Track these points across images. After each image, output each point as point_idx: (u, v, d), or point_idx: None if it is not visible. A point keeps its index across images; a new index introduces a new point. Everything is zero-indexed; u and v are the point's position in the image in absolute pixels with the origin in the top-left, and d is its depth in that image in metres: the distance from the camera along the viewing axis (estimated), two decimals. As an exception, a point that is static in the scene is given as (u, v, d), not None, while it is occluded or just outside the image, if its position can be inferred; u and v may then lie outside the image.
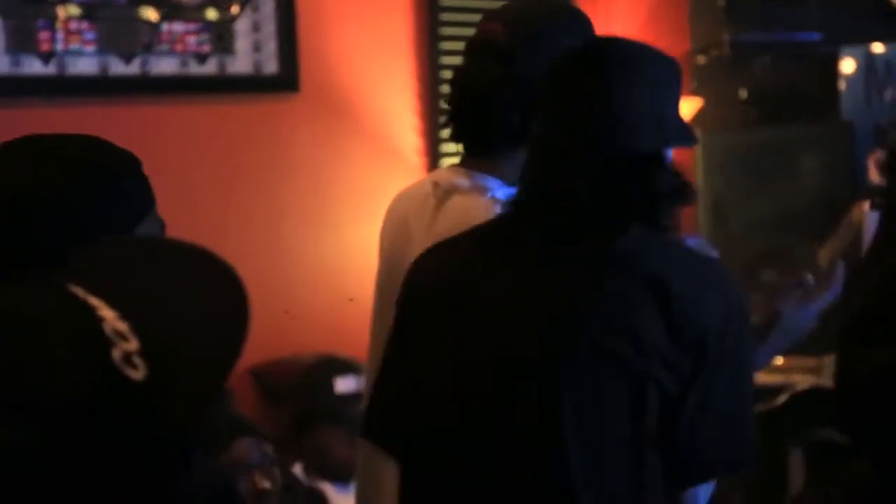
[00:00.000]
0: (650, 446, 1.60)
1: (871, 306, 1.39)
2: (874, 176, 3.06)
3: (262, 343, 3.73)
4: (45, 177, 1.33)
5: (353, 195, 3.92)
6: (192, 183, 3.66)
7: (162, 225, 1.54)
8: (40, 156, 1.36)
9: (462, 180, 1.94)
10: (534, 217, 1.71)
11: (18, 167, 1.35)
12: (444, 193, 1.93)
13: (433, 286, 1.73)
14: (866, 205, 3.57)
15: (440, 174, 2.02)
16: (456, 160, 2.05)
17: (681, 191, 1.70)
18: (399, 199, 2.07)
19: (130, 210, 1.42)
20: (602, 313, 1.62)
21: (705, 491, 1.69)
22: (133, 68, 3.56)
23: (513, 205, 1.74)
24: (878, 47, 4.78)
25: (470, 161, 1.98)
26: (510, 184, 1.92)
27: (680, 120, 1.74)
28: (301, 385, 3.62)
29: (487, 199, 1.89)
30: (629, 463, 1.60)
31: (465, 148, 1.99)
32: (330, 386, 3.54)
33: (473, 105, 1.93)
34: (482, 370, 1.66)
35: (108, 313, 0.75)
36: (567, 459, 1.59)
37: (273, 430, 3.55)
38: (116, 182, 1.42)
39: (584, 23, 1.99)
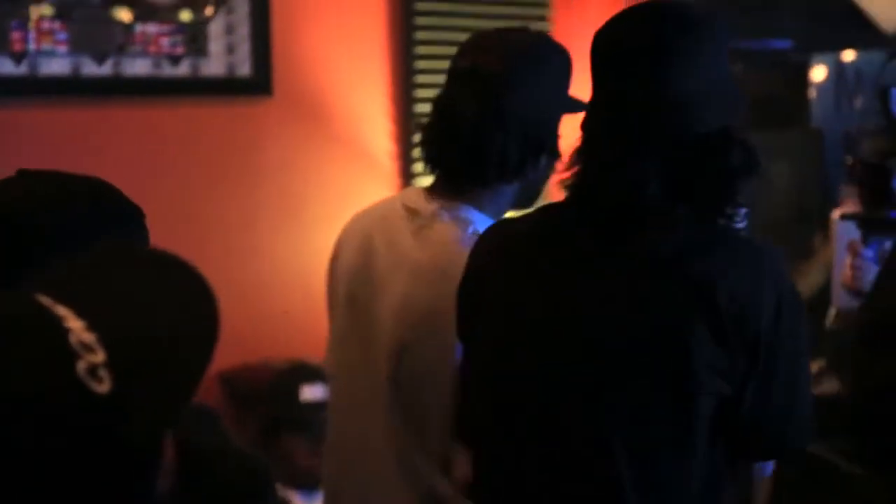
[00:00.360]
0: (704, 443, 1.59)
1: (890, 318, 1.38)
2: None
3: (234, 348, 3.74)
4: (47, 205, 1.33)
5: (327, 199, 3.91)
6: (164, 186, 3.64)
7: (147, 236, 1.55)
8: (48, 185, 1.36)
9: (442, 212, 1.91)
10: (589, 214, 1.64)
11: (23, 195, 1.35)
12: (423, 221, 1.91)
13: (491, 294, 1.70)
14: (837, 213, 3.59)
15: (413, 199, 1.97)
16: (427, 173, 2.01)
17: (752, 166, 1.62)
18: (362, 217, 2.04)
19: (120, 220, 1.42)
20: (648, 332, 1.57)
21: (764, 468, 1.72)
22: (105, 69, 3.54)
23: (569, 199, 1.67)
24: (848, 55, 4.81)
25: (445, 187, 1.94)
26: (490, 215, 1.92)
27: (730, 87, 1.64)
28: (269, 391, 3.61)
29: (470, 233, 1.87)
30: (681, 462, 1.58)
31: (445, 178, 1.94)
32: (296, 393, 3.53)
33: (463, 139, 1.89)
34: (530, 382, 1.64)
35: (75, 324, 0.74)
36: (616, 468, 1.57)
37: (242, 435, 3.54)
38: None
39: (566, 55, 1.98)
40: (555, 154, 1.94)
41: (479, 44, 1.93)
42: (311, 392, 3.52)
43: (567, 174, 1.67)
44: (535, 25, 4.36)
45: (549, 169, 1.95)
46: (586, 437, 1.60)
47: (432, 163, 1.95)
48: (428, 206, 1.92)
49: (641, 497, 1.57)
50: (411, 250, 1.89)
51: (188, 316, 0.80)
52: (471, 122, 1.88)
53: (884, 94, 1.87)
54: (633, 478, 1.57)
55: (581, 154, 1.65)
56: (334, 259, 2.05)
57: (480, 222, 1.88)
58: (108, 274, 0.83)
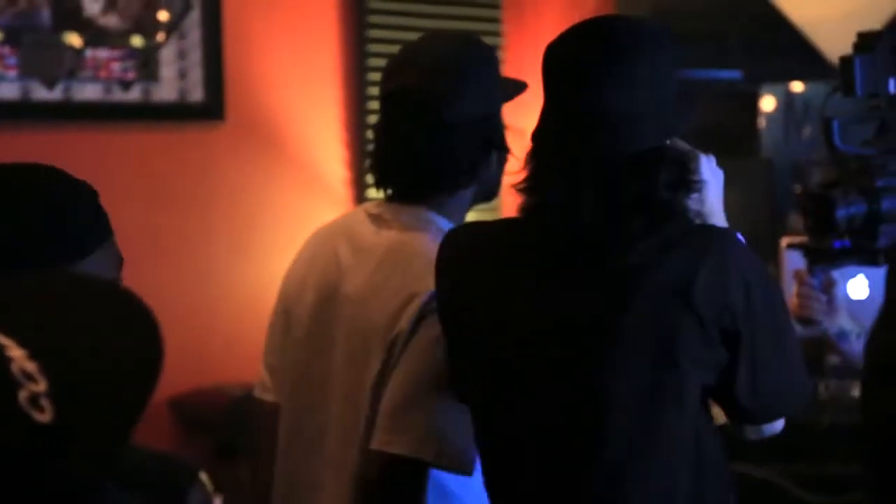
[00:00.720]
0: (692, 427, 1.65)
1: None
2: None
3: (184, 372, 3.71)
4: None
5: (279, 224, 3.90)
6: (115, 212, 3.60)
7: (119, 259, 1.54)
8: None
9: (404, 215, 1.91)
10: (546, 229, 1.69)
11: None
12: (386, 224, 1.91)
13: (475, 304, 1.73)
14: (785, 241, 3.63)
15: (374, 207, 1.98)
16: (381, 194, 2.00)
17: (685, 183, 1.68)
18: (324, 233, 2.04)
19: (80, 242, 1.41)
20: (629, 337, 1.62)
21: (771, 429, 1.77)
22: (56, 94, 3.51)
23: (524, 213, 1.71)
24: (797, 86, 4.87)
25: (404, 197, 1.94)
26: (451, 218, 1.92)
27: (676, 99, 1.68)
28: (223, 418, 3.57)
29: (433, 230, 1.88)
30: (671, 447, 1.64)
31: (401, 192, 1.94)
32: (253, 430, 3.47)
33: (410, 163, 1.89)
34: (522, 391, 1.69)
35: (16, 353, 0.73)
36: (614, 460, 1.63)
37: (193, 458, 3.51)
38: (64, 213, 1.40)
39: (492, 52, 1.98)
40: (503, 148, 1.95)
41: (401, 63, 1.93)
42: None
43: (519, 179, 1.71)
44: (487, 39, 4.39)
45: (502, 162, 1.96)
46: (584, 428, 1.65)
47: (385, 186, 1.95)
48: (390, 212, 1.92)
49: (638, 482, 1.64)
50: (375, 250, 1.90)
51: (131, 346, 0.79)
52: (413, 145, 1.88)
53: (827, 126, 1.89)
54: (631, 467, 1.63)
55: (530, 163, 1.70)
56: (294, 276, 2.03)
57: (443, 224, 1.89)
58: (52, 303, 0.82)
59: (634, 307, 1.61)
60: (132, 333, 0.79)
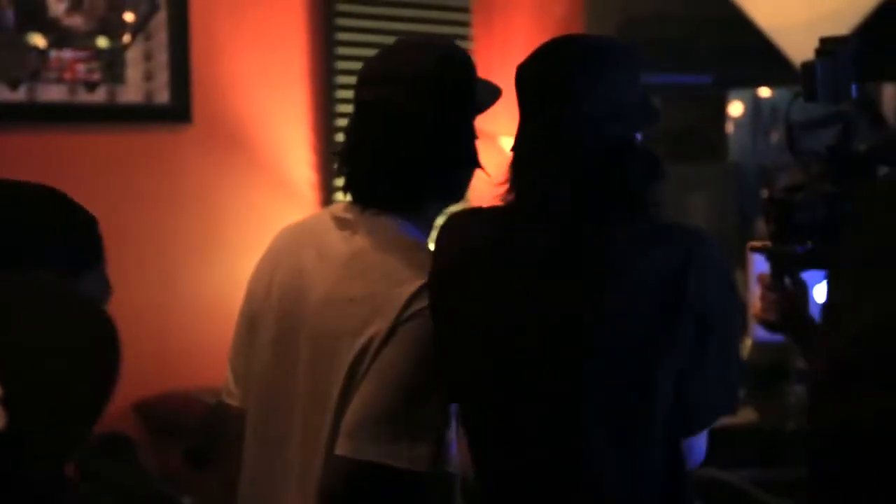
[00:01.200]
0: (663, 423, 1.71)
1: (857, 350, 1.34)
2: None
3: (151, 376, 3.68)
4: None
5: (246, 226, 3.88)
6: (79, 213, 3.58)
7: (106, 285, 1.54)
8: None
9: (372, 218, 1.90)
10: (530, 224, 1.77)
11: None
12: (353, 227, 1.90)
13: (461, 300, 1.79)
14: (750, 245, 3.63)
15: (341, 210, 1.97)
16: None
17: (652, 171, 1.76)
18: (289, 234, 2.03)
19: (65, 263, 1.39)
20: (606, 336, 1.69)
21: (699, 444, 1.80)
22: (19, 95, 3.48)
23: (510, 208, 1.80)
24: (764, 91, 4.89)
25: (372, 202, 1.93)
26: (418, 224, 1.91)
27: (640, 102, 1.79)
28: (194, 425, 3.53)
29: (400, 239, 1.87)
30: (646, 444, 1.71)
31: (367, 201, 1.94)
32: (225, 438, 3.43)
33: (383, 175, 1.89)
34: (512, 379, 1.75)
35: None
36: (595, 455, 1.70)
37: (161, 464, 3.48)
38: (56, 234, 1.40)
39: (467, 57, 1.98)
40: (474, 161, 1.94)
41: (384, 70, 1.91)
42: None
43: (503, 190, 1.81)
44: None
45: (470, 172, 1.96)
46: (566, 423, 1.71)
47: (355, 192, 1.94)
48: (358, 217, 1.91)
49: (619, 474, 1.70)
50: (341, 254, 1.88)
51: (88, 355, 0.78)
52: (390, 157, 1.88)
53: (789, 131, 1.91)
54: (610, 456, 1.70)
55: (513, 171, 1.80)
56: (258, 279, 2.01)
57: (410, 231, 1.89)
58: (9, 311, 0.80)
59: (614, 303, 1.68)
60: (90, 343, 0.77)
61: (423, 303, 1.79)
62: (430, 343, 1.78)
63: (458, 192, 1.99)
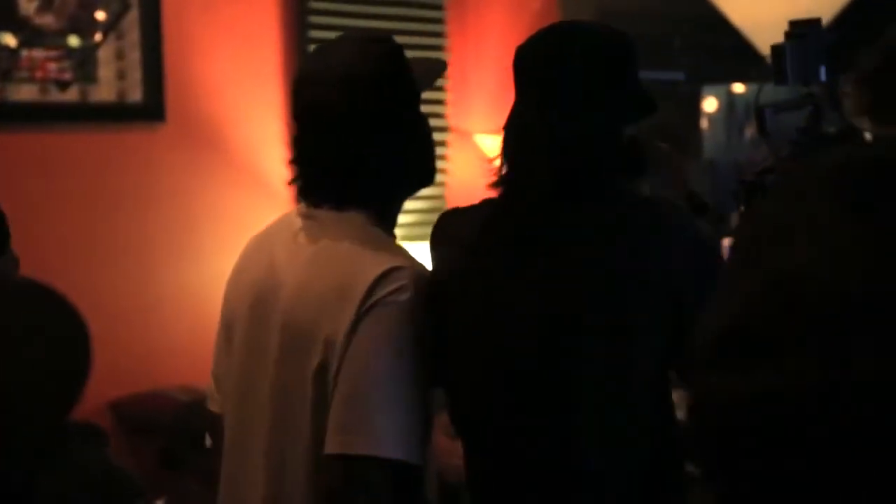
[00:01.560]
0: (656, 387, 1.76)
1: (736, 327, 1.34)
2: None
3: (124, 376, 3.66)
4: None
5: (221, 225, 3.86)
6: (52, 214, 3.56)
7: (15, 262, 1.50)
8: None
9: (338, 214, 1.90)
10: (518, 207, 1.82)
11: None
12: (320, 224, 1.90)
13: (448, 287, 1.84)
14: (726, 242, 3.64)
15: (305, 211, 1.97)
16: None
17: (632, 164, 1.81)
18: (261, 238, 2.03)
19: None
20: (588, 317, 1.72)
21: None
22: (-10, 94, 3.45)
23: (502, 195, 1.85)
24: (738, 87, 4.90)
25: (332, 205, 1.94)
26: (384, 217, 1.91)
27: (633, 93, 1.82)
28: (169, 423, 3.52)
29: (364, 232, 1.87)
30: (626, 414, 1.75)
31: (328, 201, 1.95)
32: (201, 438, 3.40)
33: (336, 180, 1.89)
34: (488, 374, 1.80)
35: None
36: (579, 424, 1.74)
37: (136, 463, 3.46)
38: None
39: (398, 49, 1.96)
40: (424, 146, 1.94)
41: (315, 72, 1.90)
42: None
43: (494, 175, 1.85)
44: (430, 40, 4.38)
45: (427, 156, 1.96)
46: (557, 396, 1.74)
47: (312, 197, 1.93)
48: (322, 215, 1.91)
49: (600, 444, 1.75)
50: (305, 246, 1.88)
51: (58, 353, 0.77)
52: (336, 161, 1.88)
53: (760, 115, 1.93)
54: (592, 427, 1.74)
55: (502, 151, 1.85)
56: (232, 285, 2.01)
57: (373, 224, 1.89)
58: None
59: (591, 287, 1.72)
60: (56, 341, 0.76)
61: (388, 287, 1.78)
62: (401, 327, 1.77)
63: (419, 178, 1.97)
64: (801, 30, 1.84)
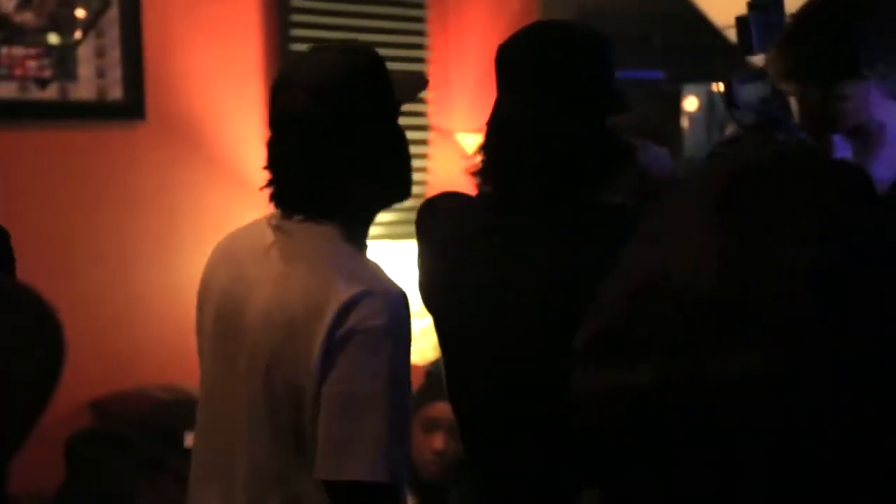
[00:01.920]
0: None
1: (607, 327, 1.35)
2: None
3: (105, 374, 3.65)
4: None
5: (202, 223, 3.85)
6: (32, 212, 3.54)
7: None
8: None
9: (308, 226, 1.89)
10: (500, 205, 1.87)
11: None
12: (289, 236, 1.90)
13: (435, 279, 1.92)
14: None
15: (278, 218, 1.97)
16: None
17: (611, 158, 1.88)
18: (230, 240, 2.02)
19: None
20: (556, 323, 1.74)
21: None
22: (-31, 92, 3.44)
23: (486, 191, 1.90)
24: (720, 86, 4.91)
25: (314, 214, 1.93)
26: (355, 227, 1.90)
27: (609, 91, 1.88)
28: (148, 424, 3.50)
29: (334, 245, 1.86)
30: None
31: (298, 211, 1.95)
32: (179, 438, 3.40)
33: (290, 177, 1.90)
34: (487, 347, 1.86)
35: None
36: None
37: (115, 464, 3.45)
38: None
39: (377, 60, 1.96)
40: (399, 160, 1.94)
41: (289, 79, 1.91)
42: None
43: (474, 165, 1.90)
44: (412, 39, 4.38)
45: (401, 170, 1.95)
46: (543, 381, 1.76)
47: (284, 205, 1.93)
48: (292, 226, 1.90)
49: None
50: (277, 263, 1.87)
51: (27, 354, 0.76)
52: (306, 168, 1.87)
53: (728, 86, 1.96)
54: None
55: (483, 148, 1.89)
56: (202, 286, 2.01)
57: (345, 235, 1.88)
58: None
59: (579, 282, 1.71)
60: (30, 342, 0.75)
61: (361, 312, 1.77)
62: (380, 351, 1.77)
63: (393, 192, 1.97)
64: (763, 0, 1.87)
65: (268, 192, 1.94)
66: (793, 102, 1.77)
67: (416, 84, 2.02)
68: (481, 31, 4.50)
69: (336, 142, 1.86)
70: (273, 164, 1.93)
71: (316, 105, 1.85)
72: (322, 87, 1.86)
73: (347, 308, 1.77)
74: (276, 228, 1.92)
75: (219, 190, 3.93)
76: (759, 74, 1.93)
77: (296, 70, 1.92)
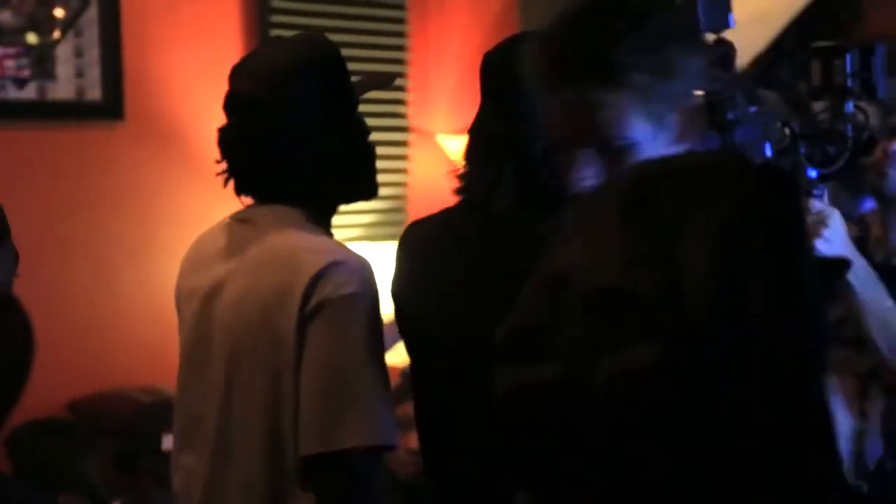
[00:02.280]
0: None
1: (522, 323, 1.36)
2: None
3: (85, 375, 3.63)
4: None
5: (181, 223, 3.83)
6: (9, 212, 3.51)
7: (13, 263, 1.52)
8: None
9: (268, 217, 1.91)
10: (472, 218, 1.85)
11: None
12: (254, 228, 1.92)
13: (409, 293, 1.92)
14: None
15: (244, 211, 1.98)
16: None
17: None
18: (202, 238, 2.04)
19: None
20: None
21: None
22: (-53, 91, 3.42)
23: (466, 202, 1.88)
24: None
25: (274, 199, 1.95)
26: (316, 218, 1.91)
27: None
28: (128, 425, 3.49)
29: (299, 226, 1.87)
30: None
31: (258, 195, 1.97)
32: (157, 440, 3.38)
33: (242, 163, 1.92)
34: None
35: None
36: None
37: (95, 464, 3.43)
38: None
39: (331, 51, 1.96)
40: (360, 145, 1.94)
41: (245, 66, 1.95)
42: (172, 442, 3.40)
43: (457, 181, 1.88)
44: (392, 39, 4.38)
45: (366, 158, 1.96)
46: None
47: (246, 192, 1.94)
48: (257, 215, 1.91)
49: None
50: (243, 254, 1.89)
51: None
52: (258, 150, 1.90)
53: None
54: None
55: (464, 158, 1.87)
56: (176, 292, 2.03)
57: (307, 221, 1.89)
58: None
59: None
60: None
61: (330, 284, 1.78)
62: (353, 319, 1.78)
63: (357, 186, 1.97)
64: None
65: (225, 178, 1.96)
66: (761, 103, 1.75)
67: (378, 81, 2.04)
68: (462, 33, 4.50)
69: (283, 127, 1.87)
70: (223, 147, 1.96)
71: (263, 90, 1.88)
72: (271, 71, 1.89)
73: (315, 280, 1.78)
74: (239, 221, 1.94)
75: (198, 190, 3.92)
76: (708, 50, 1.93)
77: (251, 57, 1.97)
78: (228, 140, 1.95)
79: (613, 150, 1.46)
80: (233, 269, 1.89)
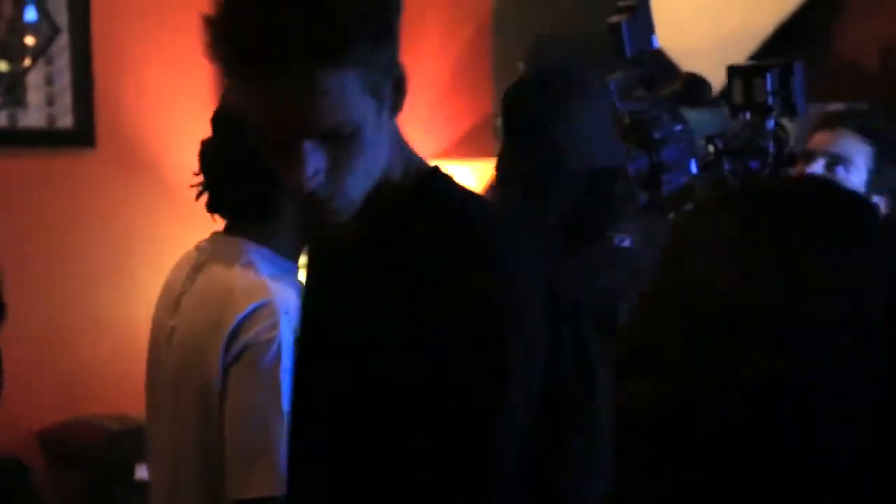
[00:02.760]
0: None
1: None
2: None
3: (55, 404, 3.60)
4: None
5: (153, 250, 3.81)
6: (-20, 240, 3.50)
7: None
8: None
9: (218, 248, 1.91)
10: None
11: None
12: (203, 257, 1.92)
13: None
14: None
15: (205, 240, 1.99)
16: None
17: (608, 209, 1.88)
18: (171, 271, 2.05)
19: None
20: None
21: None
22: (-84, 120, 3.40)
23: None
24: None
25: (230, 226, 1.97)
26: (274, 247, 1.90)
27: (607, 138, 1.87)
28: (100, 455, 3.45)
29: (242, 263, 1.86)
30: None
31: (225, 218, 1.98)
32: (130, 469, 3.34)
33: (220, 180, 1.94)
34: None
35: None
36: None
37: (65, 494, 3.40)
38: None
39: None
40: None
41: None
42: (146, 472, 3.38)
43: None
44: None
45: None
46: None
47: (207, 207, 1.97)
48: (211, 245, 1.93)
49: None
50: (194, 285, 1.90)
51: None
52: (218, 164, 1.95)
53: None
54: None
55: (491, 191, 1.99)
56: (152, 322, 2.04)
57: (257, 253, 1.88)
58: None
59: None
60: None
61: (254, 328, 1.78)
62: (272, 366, 1.78)
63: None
64: (630, 3, 1.91)
65: (198, 192, 1.99)
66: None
67: None
68: (434, 58, 4.51)
69: (259, 150, 1.88)
70: (202, 159, 2.01)
71: (213, 122, 1.92)
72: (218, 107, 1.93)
73: (241, 322, 1.79)
74: (200, 249, 1.94)
75: (170, 218, 3.90)
76: (635, 75, 1.96)
77: None
78: (207, 153, 1.96)
79: (339, 138, 1.28)
80: (186, 303, 1.90)
